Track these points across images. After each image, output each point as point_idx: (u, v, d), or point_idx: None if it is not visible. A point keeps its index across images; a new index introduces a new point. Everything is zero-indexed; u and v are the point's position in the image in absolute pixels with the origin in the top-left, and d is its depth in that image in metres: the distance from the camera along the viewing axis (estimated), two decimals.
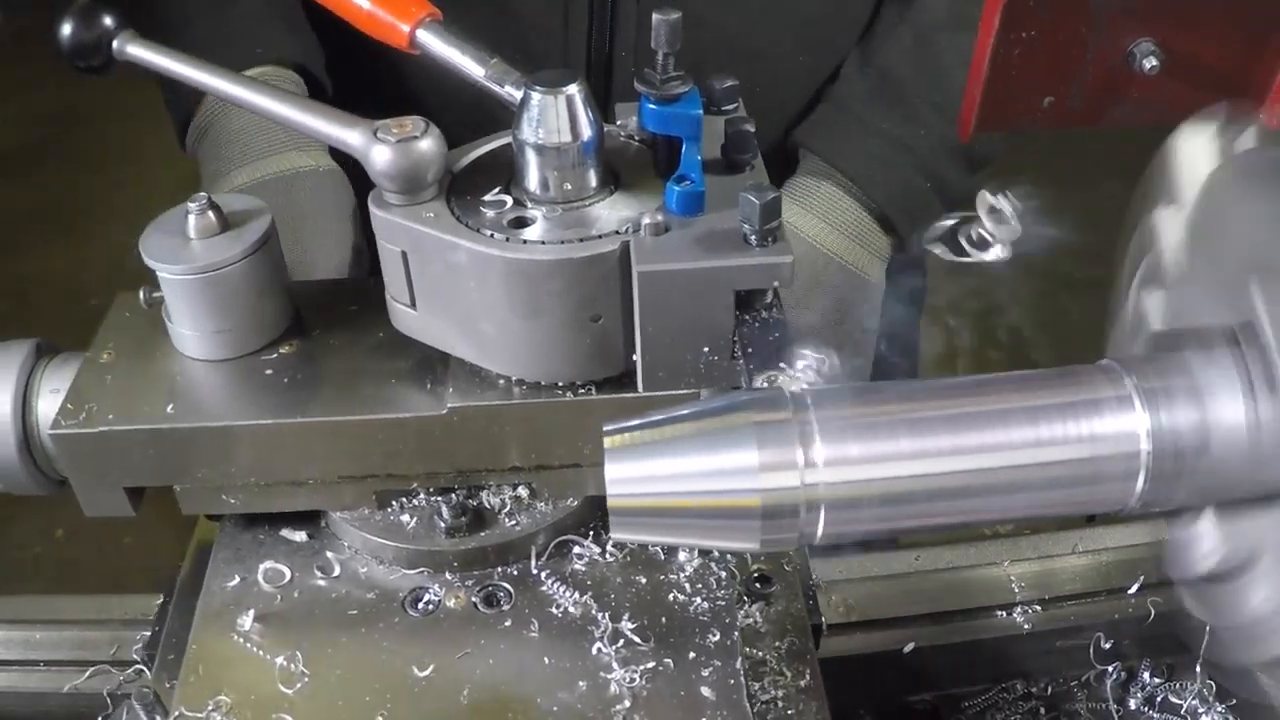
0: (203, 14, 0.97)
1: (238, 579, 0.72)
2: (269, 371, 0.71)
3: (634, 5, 0.93)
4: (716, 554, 0.71)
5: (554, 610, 0.69)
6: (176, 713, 0.65)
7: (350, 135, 0.65)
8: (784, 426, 0.50)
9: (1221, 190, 0.59)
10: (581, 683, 0.65)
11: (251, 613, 0.69)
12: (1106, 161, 1.92)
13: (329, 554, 0.72)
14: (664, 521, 0.52)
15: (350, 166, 0.96)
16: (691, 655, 0.66)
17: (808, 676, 0.70)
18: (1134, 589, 0.86)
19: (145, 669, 0.80)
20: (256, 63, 0.94)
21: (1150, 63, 0.64)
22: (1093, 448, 0.51)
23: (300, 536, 0.74)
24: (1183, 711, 0.86)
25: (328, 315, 0.75)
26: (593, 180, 0.65)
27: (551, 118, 0.63)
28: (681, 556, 0.70)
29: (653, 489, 0.51)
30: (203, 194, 0.71)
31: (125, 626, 0.86)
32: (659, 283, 0.61)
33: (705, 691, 0.64)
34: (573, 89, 0.63)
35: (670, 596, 0.69)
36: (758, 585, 0.73)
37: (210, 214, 0.71)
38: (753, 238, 0.61)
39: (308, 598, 0.71)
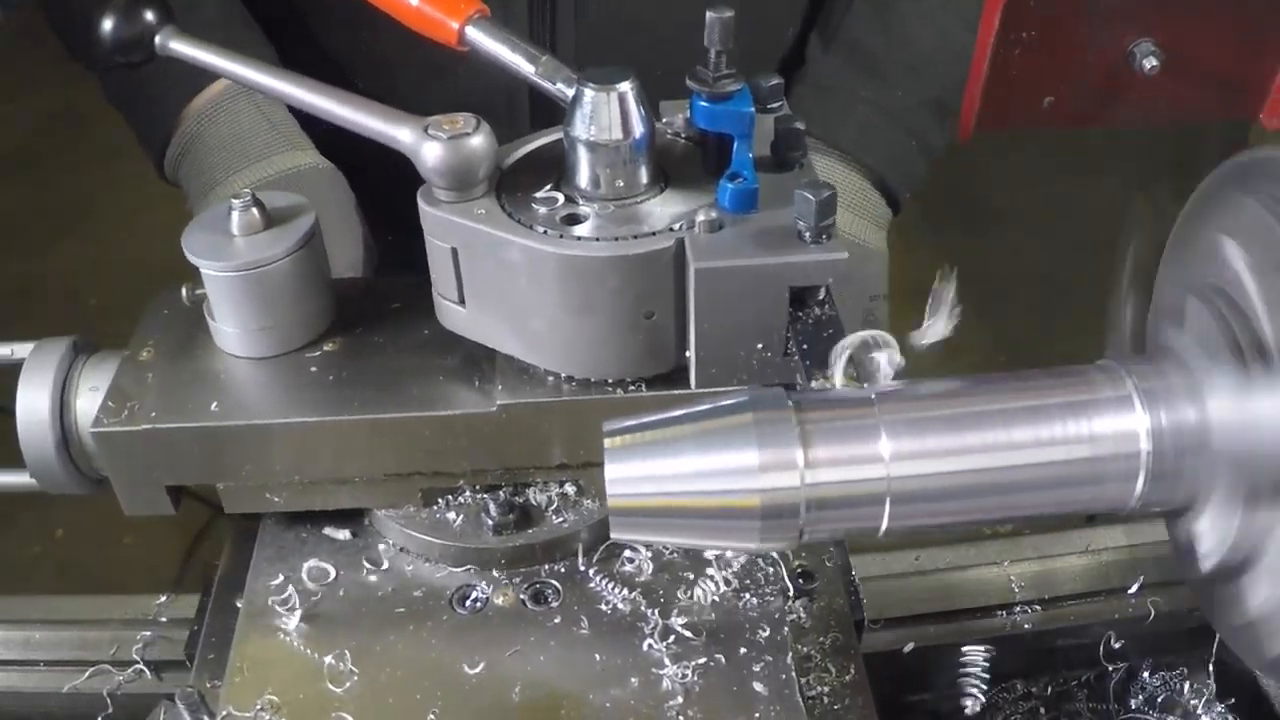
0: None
1: (281, 577, 0.71)
2: (313, 369, 0.70)
3: (571, 5, 0.93)
4: (763, 549, 0.71)
5: (603, 607, 0.68)
6: (224, 712, 0.64)
7: (400, 132, 0.64)
8: (784, 426, 0.49)
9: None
10: (634, 679, 0.64)
11: (298, 612, 0.68)
12: (1106, 161, 1.94)
13: (380, 548, 0.72)
14: (664, 521, 0.52)
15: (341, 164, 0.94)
16: (742, 651, 0.65)
17: (853, 671, 0.69)
18: (1134, 589, 0.86)
19: (144, 671, 0.80)
20: None
21: (1150, 63, 0.64)
22: (1092, 448, 0.50)
23: (343, 535, 0.73)
24: (1183, 711, 0.85)
25: (370, 312, 0.74)
26: (644, 177, 0.65)
27: (604, 115, 0.63)
28: (729, 553, 0.70)
29: (653, 489, 0.51)
30: (246, 190, 0.70)
31: (125, 626, 0.86)
32: (716, 279, 0.60)
33: (758, 687, 0.64)
34: (625, 86, 0.63)
35: (718, 592, 0.68)
36: (800, 581, 0.73)
37: (254, 210, 0.70)
38: (807, 235, 0.61)
39: (353, 596, 0.70)
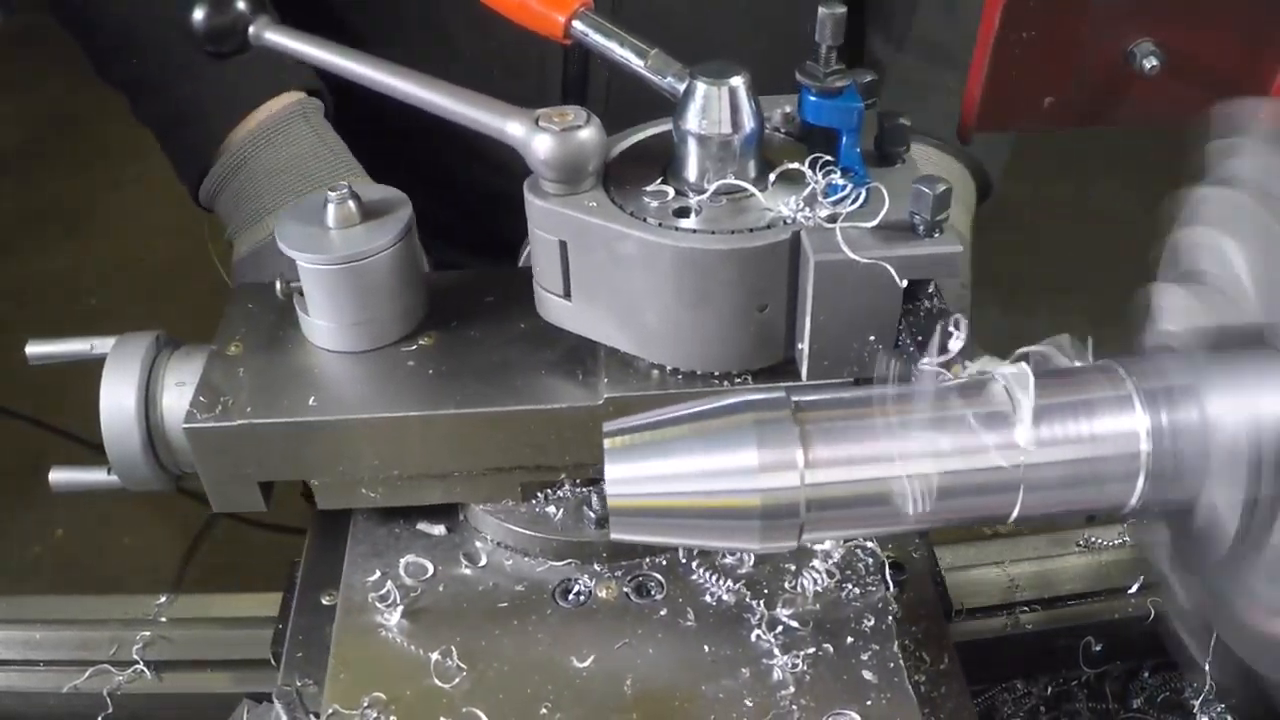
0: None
1: (378, 573, 0.69)
2: (411, 363, 0.68)
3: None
4: (861, 540, 0.70)
5: (707, 599, 0.67)
6: (330, 710, 0.62)
7: (510, 125, 0.63)
8: (784, 427, 0.49)
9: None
10: (744, 670, 0.63)
11: (399, 608, 0.66)
12: (1106, 161, 1.97)
13: (476, 544, 0.70)
14: (665, 522, 0.51)
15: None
16: (849, 640, 0.65)
17: (946, 660, 0.69)
18: (1134, 589, 0.85)
19: (144, 671, 0.80)
20: (277, 90, 0.89)
21: (1150, 63, 0.64)
22: (1093, 448, 0.50)
23: (438, 530, 0.71)
24: (1183, 711, 0.85)
25: (464, 306, 0.72)
26: (752, 171, 0.64)
27: (715, 108, 0.62)
28: (828, 544, 0.70)
29: (653, 489, 0.50)
30: (344, 183, 0.68)
31: (125, 626, 0.85)
32: (834, 272, 0.59)
33: (867, 675, 0.63)
34: (737, 80, 0.62)
35: (821, 583, 0.68)
36: (890, 572, 0.73)
37: (350, 203, 0.68)
38: (922, 227, 0.60)
39: (453, 591, 0.68)
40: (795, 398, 0.51)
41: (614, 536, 0.52)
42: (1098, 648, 0.85)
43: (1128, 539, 0.90)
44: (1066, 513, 0.54)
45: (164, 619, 0.86)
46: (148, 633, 0.81)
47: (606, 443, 0.51)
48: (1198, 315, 0.55)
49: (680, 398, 0.65)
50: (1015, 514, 0.52)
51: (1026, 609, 0.85)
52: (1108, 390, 0.51)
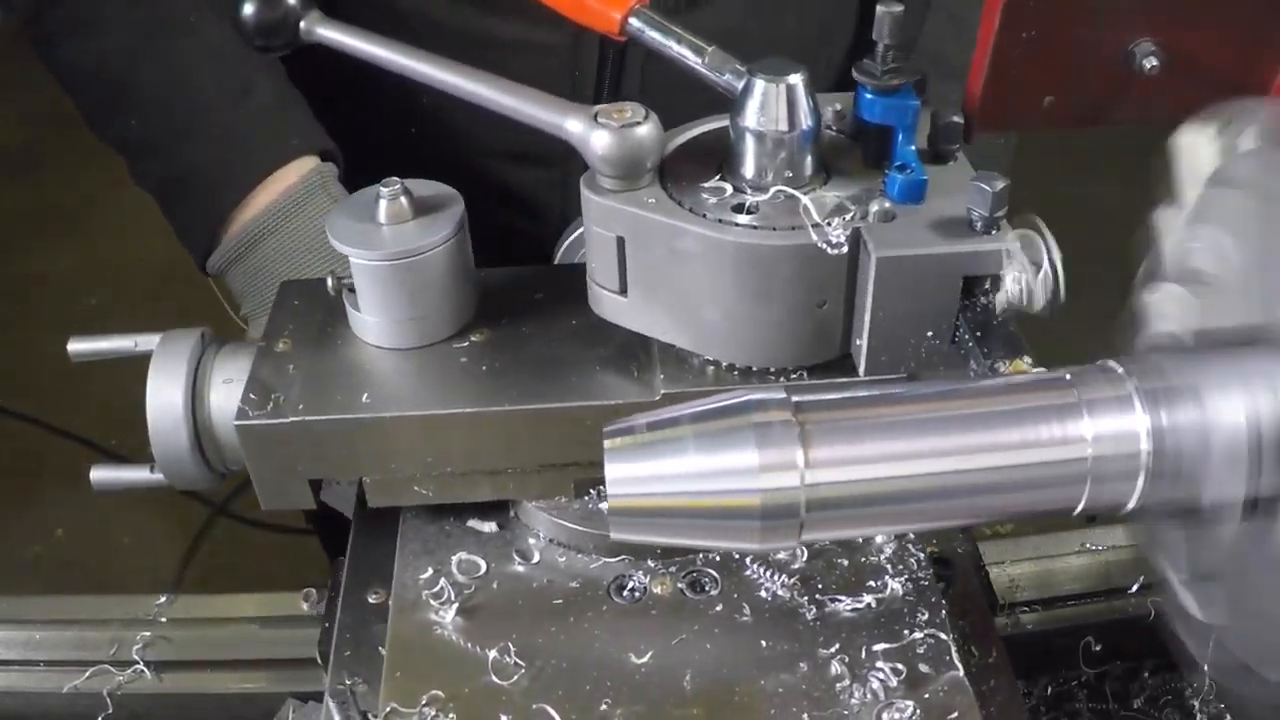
0: (215, 109, 0.85)
1: (430, 571, 0.68)
2: (464, 360, 0.68)
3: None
4: (911, 536, 0.70)
5: (762, 594, 0.66)
6: (388, 708, 0.62)
7: (569, 121, 0.62)
8: (784, 427, 0.49)
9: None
10: (802, 664, 0.63)
11: (454, 605, 0.66)
12: (1106, 161, 1.97)
13: (529, 540, 0.69)
14: (665, 522, 0.51)
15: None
16: (904, 633, 0.65)
17: (994, 653, 0.69)
18: (1134, 589, 0.86)
19: (144, 671, 0.79)
20: (292, 156, 0.84)
21: (1150, 63, 0.64)
22: (1093, 448, 0.50)
23: (489, 527, 0.70)
24: (1183, 711, 0.85)
25: (513, 303, 0.71)
26: (809, 168, 0.64)
27: (773, 106, 0.62)
28: (879, 539, 0.70)
29: (653, 489, 0.50)
30: (395, 179, 0.67)
31: (125, 626, 0.84)
32: (896, 268, 0.59)
33: (923, 668, 0.63)
34: (795, 78, 0.61)
35: (873, 578, 0.68)
36: (936, 567, 0.73)
37: (402, 199, 0.67)
38: (979, 224, 0.60)
39: (507, 588, 0.67)
40: (795, 398, 0.50)
41: (614, 536, 0.52)
42: (1097, 647, 0.85)
43: (1134, 540, 0.90)
44: (1068, 511, 0.53)
45: (164, 619, 0.86)
46: (148, 633, 0.81)
47: (606, 443, 0.51)
48: (1196, 314, 0.55)
49: None
50: (1016, 514, 0.52)
51: (1026, 609, 0.85)
52: (1108, 390, 0.51)
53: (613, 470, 0.50)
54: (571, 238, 0.86)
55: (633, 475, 0.50)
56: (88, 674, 0.81)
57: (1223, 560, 0.52)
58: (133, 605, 0.87)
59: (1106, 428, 0.50)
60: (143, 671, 0.81)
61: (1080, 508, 0.53)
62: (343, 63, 1.00)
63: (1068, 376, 0.52)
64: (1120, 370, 0.52)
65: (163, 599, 0.87)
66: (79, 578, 2.11)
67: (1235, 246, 0.53)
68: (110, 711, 0.81)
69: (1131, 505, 0.52)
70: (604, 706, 0.61)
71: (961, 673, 0.63)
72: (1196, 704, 0.85)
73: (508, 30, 0.88)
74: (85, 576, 2.12)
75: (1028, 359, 0.58)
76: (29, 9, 0.87)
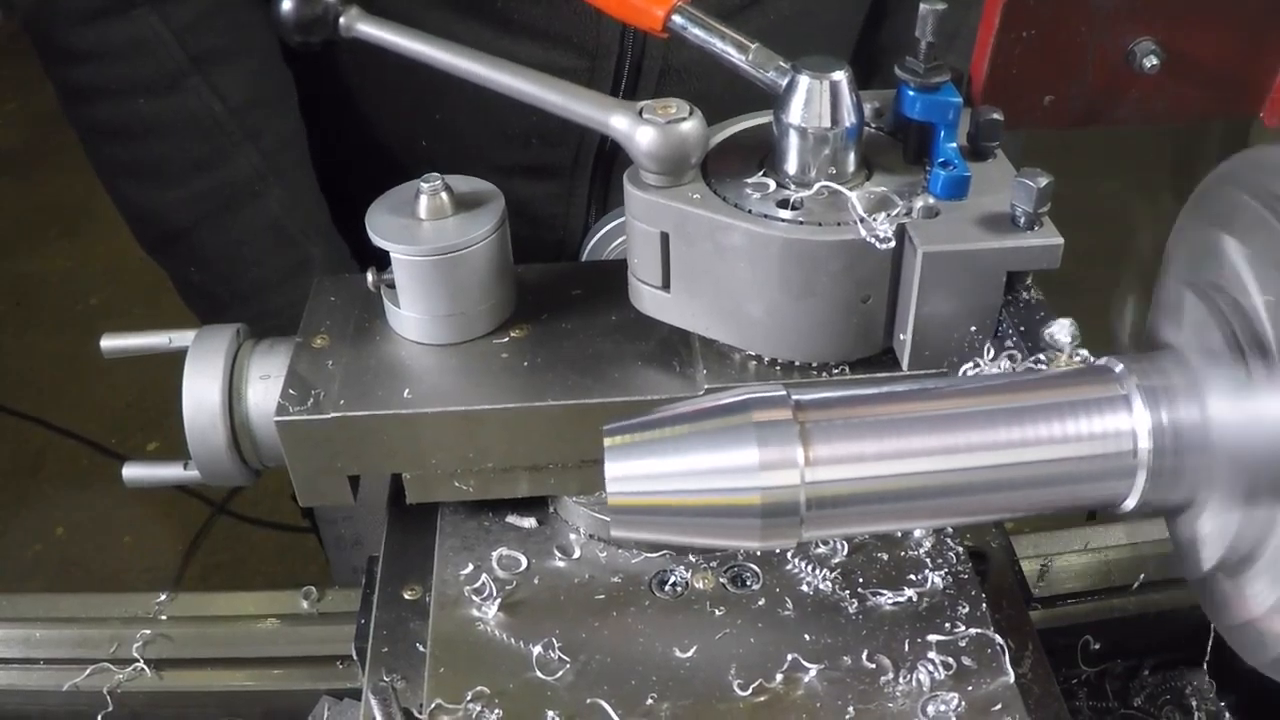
0: (274, 286, 0.93)
1: (471, 566, 0.67)
2: (504, 355, 0.67)
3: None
4: (950, 530, 0.70)
5: (804, 589, 0.66)
6: (433, 704, 0.61)
7: (614, 117, 0.61)
8: (784, 425, 0.49)
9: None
10: (845, 658, 0.62)
11: (496, 601, 0.65)
12: (1106, 161, 1.98)
13: (570, 536, 0.68)
14: (665, 520, 0.51)
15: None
16: (946, 626, 0.64)
17: (1030, 647, 0.69)
18: (1135, 587, 0.86)
19: (144, 669, 0.78)
20: None
21: (1150, 63, 0.63)
22: (1093, 446, 0.50)
23: (529, 523, 0.70)
24: (1183, 710, 0.85)
25: (551, 299, 0.70)
26: (851, 165, 0.63)
27: (817, 102, 0.61)
28: (918, 533, 0.69)
29: (654, 487, 0.50)
30: (435, 174, 0.66)
31: (125, 624, 0.83)
32: (941, 263, 0.59)
33: (966, 661, 0.63)
34: (839, 75, 0.61)
35: (913, 571, 0.68)
36: (973, 561, 0.73)
37: (443, 195, 0.66)
38: (1022, 220, 0.60)
39: (548, 584, 0.67)
40: (795, 396, 0.50)
41: (614, 535, 0.51)
42: (1097, 646, 0.85)
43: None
44: (1067, 509, 0.53)
45: (164, 617, 0.85)
46: (148, 631, 0.80)
47: (606, 441, 0.50)
48: (1200, 316, 0.54)
49: None
50: (1015, 512, 0.51)
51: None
52: (1108, 389, 0.51)
53: (613, 468, 0.50)
54: (597, 237, 0.85)
55: (633, 473, 0.50)
56: (88, 672, 0.80)
57: (1223, 558, 0.52)
58: (133, 603, 0.86)
59: (1107, 426, 0.50)
60: (143, 669, 0.80)
61: (1081, 506, 0.53)
62: (356, 78, 0.99)
63: (1079, 371, 0.52)
64: (1121, 369, 0.52)
65: (163, 597, 0.86)
66: (79, 576, 2.09)
67: (1239, 249, 0.52)
68: (110, 709, 0.80)
69: (1132, 503, 0.51)
70: (650, 701, 0.60)
71: (1009, 664, 0.63)
72: (1195, 702, 0.85)
73: (524, 53, 0.90)
74: (85, 575, 2.09)
75: (1083, 350, 0.57)
76: (81, 123, 0.92)
